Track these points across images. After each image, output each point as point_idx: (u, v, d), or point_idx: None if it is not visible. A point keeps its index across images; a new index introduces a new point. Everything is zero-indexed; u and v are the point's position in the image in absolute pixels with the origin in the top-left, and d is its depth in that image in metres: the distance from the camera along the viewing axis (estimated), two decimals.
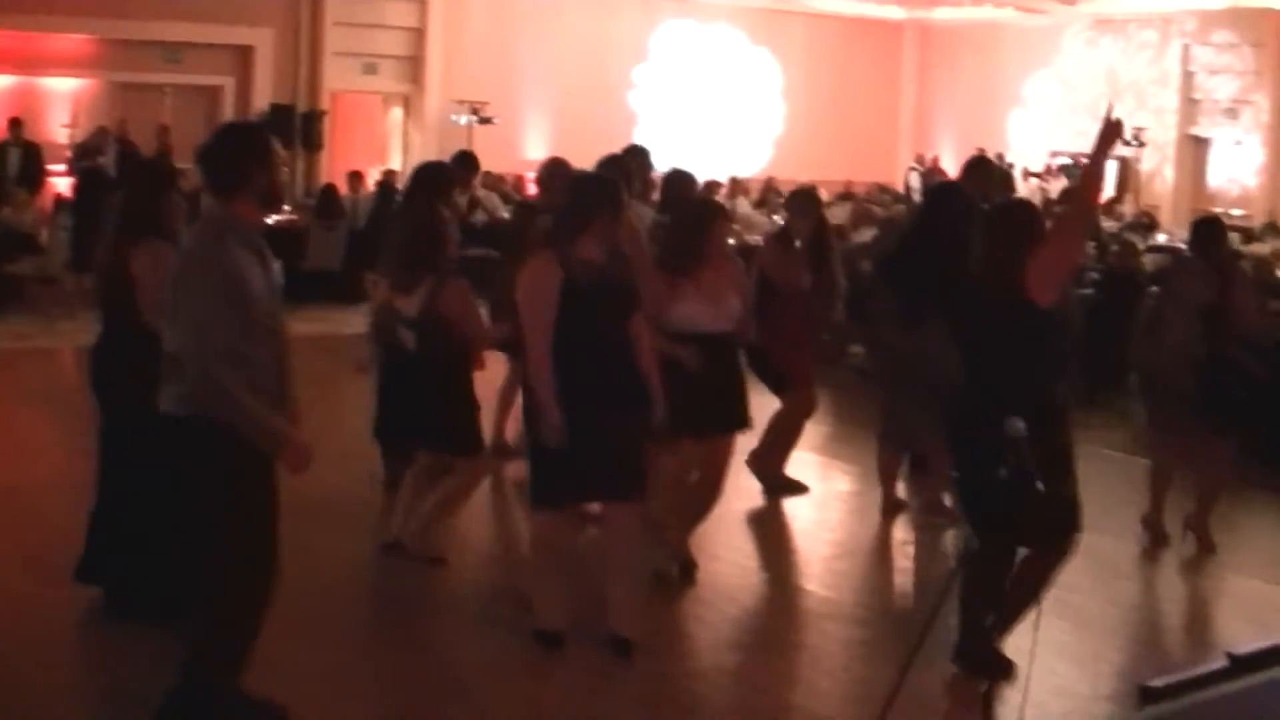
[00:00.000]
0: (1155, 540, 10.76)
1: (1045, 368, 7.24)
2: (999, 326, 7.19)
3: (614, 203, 7.82)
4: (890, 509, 11.13)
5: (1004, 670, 7.22)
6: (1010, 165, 32.35)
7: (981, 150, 32.96)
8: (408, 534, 9.36)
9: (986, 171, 11.59)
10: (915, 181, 31.05)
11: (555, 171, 10.95)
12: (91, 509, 8.28)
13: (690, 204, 10.38)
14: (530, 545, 8.33)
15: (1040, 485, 6.17)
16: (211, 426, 6.12)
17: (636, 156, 11.44)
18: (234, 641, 6.46)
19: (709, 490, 9.47)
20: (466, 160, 12.87)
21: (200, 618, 6.45)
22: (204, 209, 6.39)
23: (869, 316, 11.30)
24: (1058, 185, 30.29)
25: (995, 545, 7.25)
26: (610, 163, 10.29)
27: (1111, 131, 7.48)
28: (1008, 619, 7.41)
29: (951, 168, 33.03)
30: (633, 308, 7.90)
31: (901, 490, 11.24)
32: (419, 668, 7.86)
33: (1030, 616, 6.83)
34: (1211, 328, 10.42)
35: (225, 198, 6.21)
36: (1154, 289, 12.93)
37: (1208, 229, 11.12)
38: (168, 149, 23.40)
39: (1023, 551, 7.44)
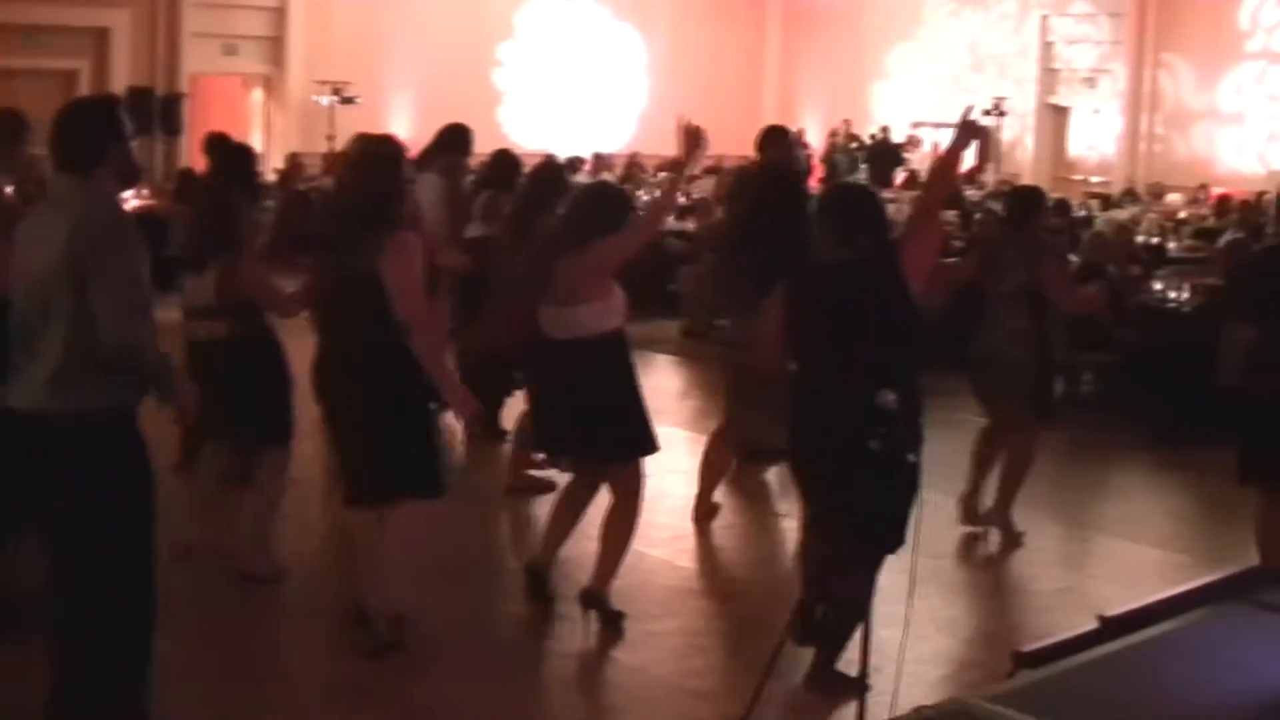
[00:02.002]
0: (966, 518, 10.26)
1: (916, 356, 7.17)
2: (880, 316, 7.09)
3: None
4: (707, 514, 10.53)
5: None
6: (883, 135, 32.65)
7: (847, 121, 33.37)
8: (240, 556, 8.91)
9: (784, 140, 11.35)
10: None
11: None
12: None
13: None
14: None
15: (912, 458, 6.19)
16: (112, 418, 5.93)
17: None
18: (146, 651, 6.26)
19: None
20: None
21: (104, 632, 6.11)
22: (59, 188, 6.15)
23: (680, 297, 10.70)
24: (919, 155, 30.59)
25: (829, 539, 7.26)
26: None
27: (968, 131, 7.48)
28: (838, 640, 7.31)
29: (816, 139, 33.23)
30: None
31: (719, 494, 10.71)
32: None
33: (899, 582, 6.79)
34: (1033, 306, 9.99)
35: (84, 174, 6.02)
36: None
37: (1021, 199, 10.73)
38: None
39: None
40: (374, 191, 7.48)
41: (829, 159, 31.75)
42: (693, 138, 8.13)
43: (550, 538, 8.67)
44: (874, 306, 7.07)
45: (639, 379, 8.30)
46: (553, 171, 10.88)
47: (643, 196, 24.24)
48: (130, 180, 6.43)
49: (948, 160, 7.75)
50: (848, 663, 7.04)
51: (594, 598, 8.30)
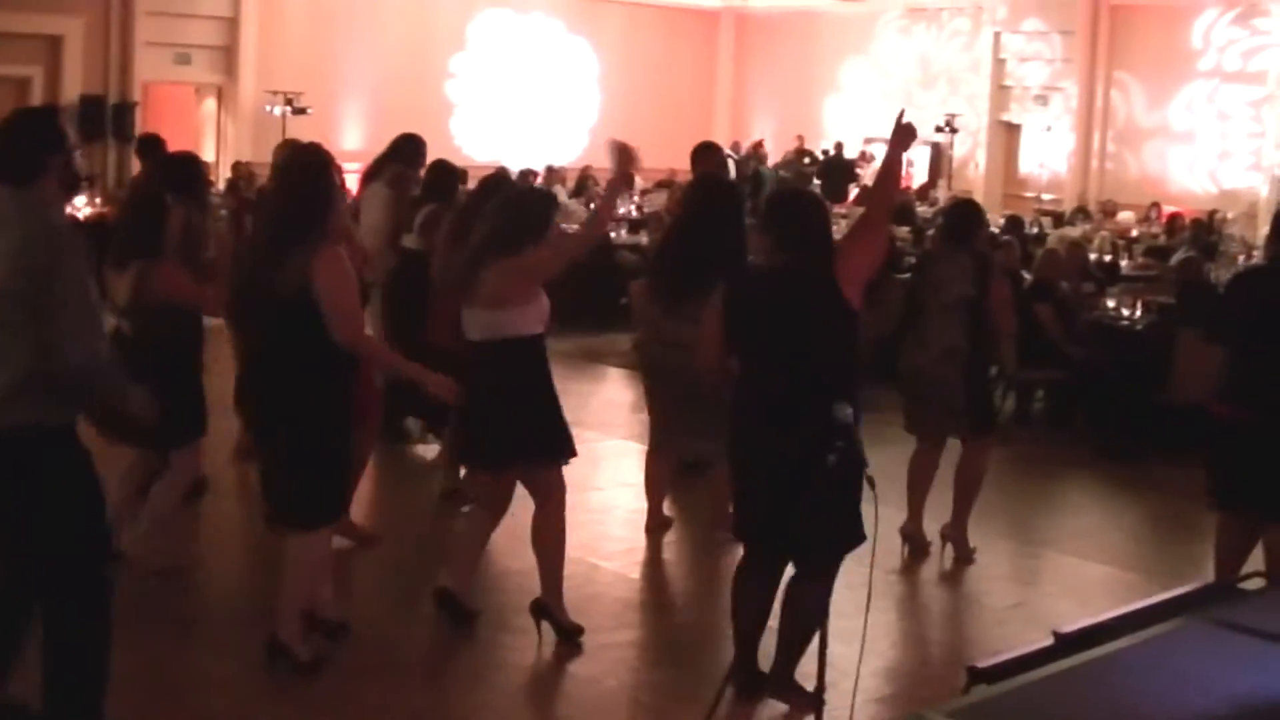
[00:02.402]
0: (915, 551, 10.15)
1: (854, 367, 7.15)
2: (816, 323, 7.07)
3: None
4: (658, 526, 10.40)
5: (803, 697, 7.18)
6: (836, 150, 32.74)
7: (800, 139, 33.42)
8: (129, 544, 8.78)
9: (715, 155, 11.52)
10: (731, 169, 31.13)
11: None
12: None
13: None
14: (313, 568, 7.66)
15: (869, 473, 6.17)
16: (61, 432, 5.87)
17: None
18: (101, 667, 6.16)
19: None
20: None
21: (59, 647, 6.03)
22: (1, 200, 6.06)
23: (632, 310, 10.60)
24: (870, 170, 30.63)
25: (762, 554, 7.22)
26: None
27: (903, 134, 7.47)
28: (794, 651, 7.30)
29: (772, 155, 33.30)
30: None
31: (669, 506, 10.60)
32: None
33: (854, 597, 6.77)
34: (971, 322, 9.86)
35: (26, 185, 5.90)
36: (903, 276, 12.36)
37: (963, 214, 10.53)
38: None
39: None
40: (300, 199, 7.28)
41: (755, 172, 31.57)
42: (622, 154, 8.08)
43: (463, 558, 8.56)
44: (814, 316, 7.05)
45: (554, 386, 8.10)
46: (499, 182, 10.82)
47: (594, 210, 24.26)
48: (73, 189, 6.35)
49: (888, 167, 7.73)
50: (804, 676, 7.04)
51: (545, 611, 8.20)
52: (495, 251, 7.87)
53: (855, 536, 7.02)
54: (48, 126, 6.17)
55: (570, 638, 8.17)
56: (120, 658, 6.29)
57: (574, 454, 8.17)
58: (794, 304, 7.08)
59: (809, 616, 6.89)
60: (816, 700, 6.17)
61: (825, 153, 33.13)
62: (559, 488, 8.14)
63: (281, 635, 7.50)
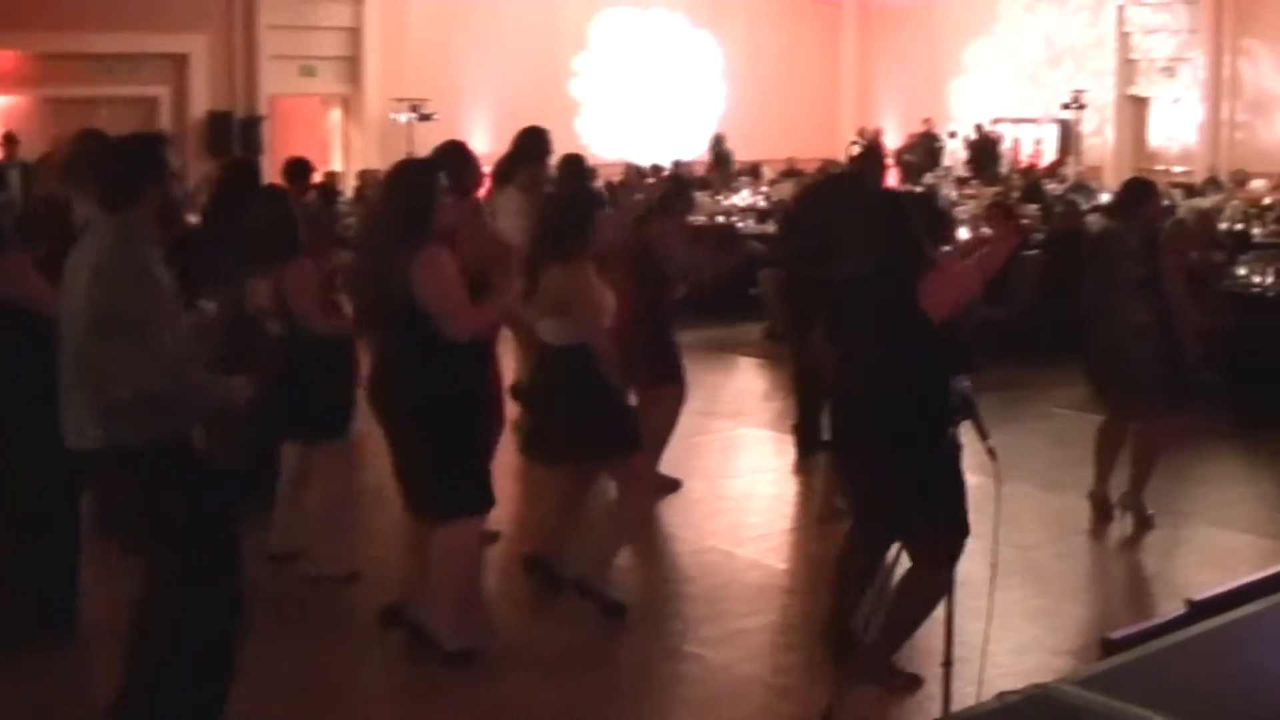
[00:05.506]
0: (1101, 515, 10.32)
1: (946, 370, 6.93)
2: (892, 330, 7.08)
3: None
4: (831, 515, 10.11)
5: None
6: (951, 134, 32.63)
7: (929, 121, 33.21)
8: (311, 554, 9.07)
9: (878, 160, 11.50)
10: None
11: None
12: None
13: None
14: (458, 559, 7.65)
15: (990, 445, 6.16)
16: (168, 449, 5.95)
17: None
18: (221, 672, 6.27)
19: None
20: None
21: (173, 648, 6.17)
22: (96, 226, 6.08)
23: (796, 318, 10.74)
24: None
25: (875, 534, 7.23)
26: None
27: (1007, 234, 7.43)
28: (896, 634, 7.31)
29: (894, 139, 33.14)
30: None
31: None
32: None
33: (987, 575, 6.72)
34: (1155, 298, 9.97)
35: (117, 213, 5.95)
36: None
37: (1128, 191, 10.61)
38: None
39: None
40: (399, 201, 7.35)
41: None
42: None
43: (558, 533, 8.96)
44: (881, 323, 7.14)
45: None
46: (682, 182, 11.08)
47: (720, 201, 24.29)
48: (170, 221, 6.40)
49: (985, 264, 7.66)
50: (930, 652, 7.02)
51: (588, 588, 8.48)
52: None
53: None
54: (150, 156, 6.20)
55: (617, 615, 8.39)
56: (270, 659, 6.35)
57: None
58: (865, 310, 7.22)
59: (921, 600, 7.10)
60: (916, 680, 6.64)
61: (952, 134, 32.95)
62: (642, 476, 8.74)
63: (427, 623, 7.57)
